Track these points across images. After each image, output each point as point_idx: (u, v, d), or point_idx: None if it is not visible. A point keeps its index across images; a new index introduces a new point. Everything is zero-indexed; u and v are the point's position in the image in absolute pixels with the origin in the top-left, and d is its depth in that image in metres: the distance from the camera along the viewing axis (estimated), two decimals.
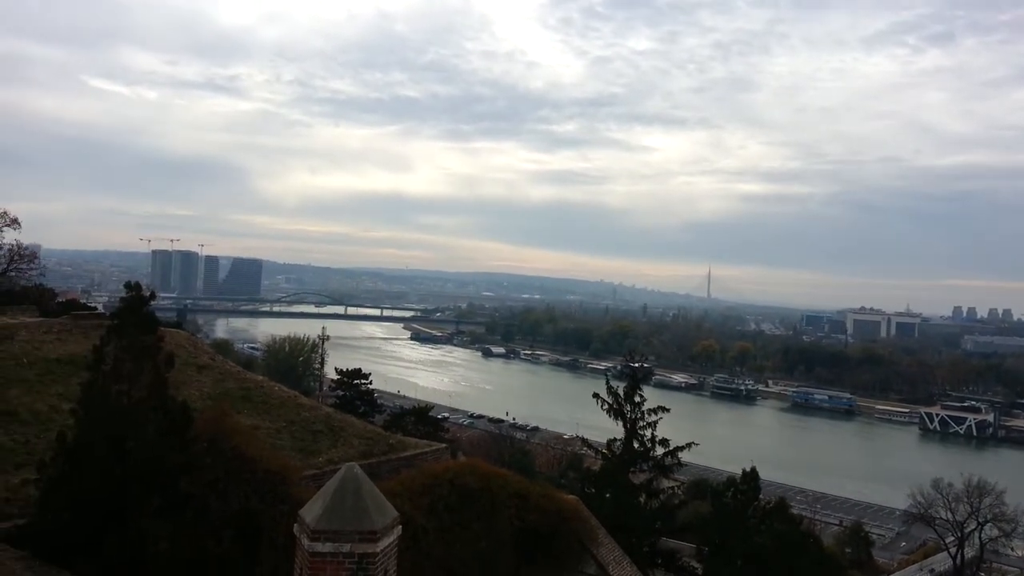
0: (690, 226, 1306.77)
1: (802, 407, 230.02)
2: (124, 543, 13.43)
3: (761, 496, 40.13)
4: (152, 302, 15.77)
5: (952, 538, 71.60)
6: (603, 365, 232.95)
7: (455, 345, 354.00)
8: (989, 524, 70.93)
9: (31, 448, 17.38)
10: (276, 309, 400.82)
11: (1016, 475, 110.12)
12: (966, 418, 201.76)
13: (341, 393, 62.15)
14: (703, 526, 40.09)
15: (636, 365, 45.87)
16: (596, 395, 41.31)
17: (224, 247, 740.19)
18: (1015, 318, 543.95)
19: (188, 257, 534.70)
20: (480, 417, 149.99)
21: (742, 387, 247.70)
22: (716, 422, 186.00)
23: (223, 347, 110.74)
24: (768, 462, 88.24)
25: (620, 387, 40.35)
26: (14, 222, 44.20)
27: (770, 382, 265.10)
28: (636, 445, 39.26)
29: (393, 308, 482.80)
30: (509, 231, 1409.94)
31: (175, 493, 14.33)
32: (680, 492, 42.63)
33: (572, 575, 20.76)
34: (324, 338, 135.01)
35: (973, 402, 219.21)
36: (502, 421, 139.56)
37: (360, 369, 63.93)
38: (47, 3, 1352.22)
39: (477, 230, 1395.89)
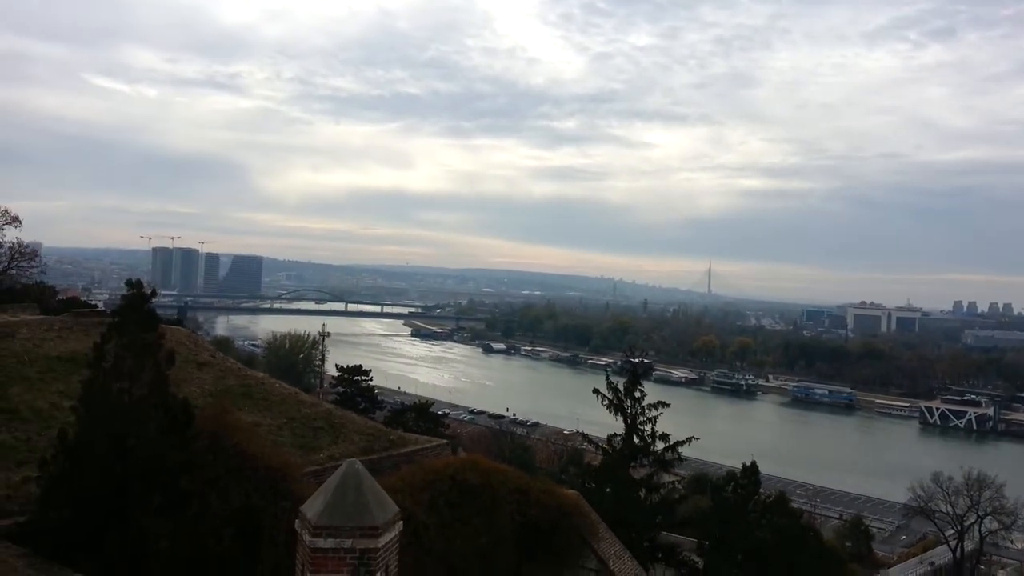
0: (691, 222, 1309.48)
1: (802, 402, 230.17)
2: (125, 541, 13.47)
3: (761, 490, 40.17)
4: (153, 300, 15.78)
5: (952, 531, 71.65)
6: (603, 361, 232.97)
7: (455, 341, 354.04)
8: (989, 517, 70.95)
9: (32, 446, 17.39)
10: (277, 306, 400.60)
11: (1016, 468, 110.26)
12: (966, 412, 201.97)
13: (342, 389, 62.27)
14: (703, 520, 40.11)
15: (636, 360, 45.86)
16: (596, 391, 41.30)
17: (225, 244, 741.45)
18: (1015, 312, 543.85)
19: (189, 255, 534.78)
20: (480, 413, 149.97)
21: (742, 382, 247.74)
22: (716, 417, 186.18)
23: (224, 344, 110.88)
24: (768, 457, 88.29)
25: (620, 382, 40.33)
26: (15, 220, 44.23)
27: (770, 377, 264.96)
28: (636, 440, 39.27)
29: (393, 305, 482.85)
30: (510, 228, 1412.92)
31: (176, 491, 14.34)
32: (680, 487, 42.72)
33: (573, 570, 20.82)
34: (324, 335, 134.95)
35: (973, 396, 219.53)
36: (502, 417, 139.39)
37: (360, 366, 64.03)
38: (48, 1, 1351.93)
39: (478, 227, 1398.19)
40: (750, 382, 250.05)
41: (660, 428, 39.51)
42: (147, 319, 15.18)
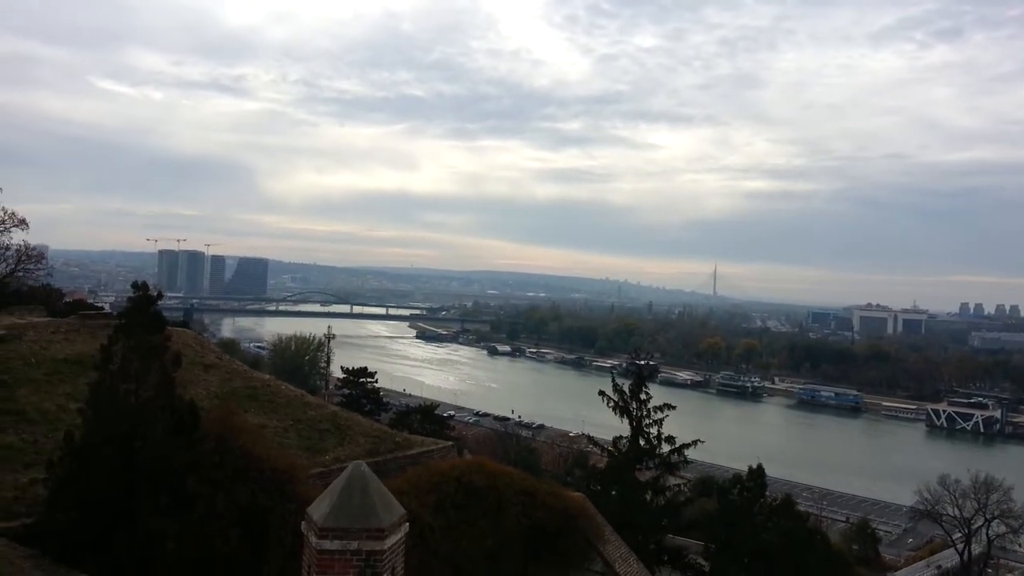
0: (695, 223, 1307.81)
1: (808, 404, 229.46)
2: (132, 542, 13.49)
3: (767, 493, 40.12)
4: (159, 302, 15.82)
5: (959, 534, 71.40)
6: (608, 363, 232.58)
7: (460, 343, 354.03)
8: (996, 520, 70.69)
9: (39, 447, 17.45)
10: (282, 308, 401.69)
11: (1023, 471, 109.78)
12: (973, 414, 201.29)
13: (347, 391, 62.33)
14: (710, 523, 40.04)
15: (642, 363, 45.71)
16: (602, 393, 41.27)
17: (230, 247, 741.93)
18: (1022, 314, 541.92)
19: (194, 257, 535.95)
20: (486, 415, 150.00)
21: (748, 384, 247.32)
22: (722, 419, 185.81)
23: (229, 346, 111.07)
24: (774, 459, 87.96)
25: (626, 385, 40.29)
26: (22, 223, 44.20)
27: (776, 379, 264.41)
28: (642, 443, 39.22)
29: (398, 307, 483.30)
30: (514, 229, 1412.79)
31: (183, 491, 14.37)
32: (686, 489, 42.58)
33: (579, 572, 20.78)
34: (330, 337, 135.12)
35: (980, 398, 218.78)
36: (508, 419, 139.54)
37: (366, 368, 64.11)
38: (52, 4, 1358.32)
39: (482, 228, 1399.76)
40: (756, 384, 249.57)
41: (666, 430, 39.47)
42: (153, 321, 15.22)
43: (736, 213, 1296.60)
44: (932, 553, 79.32)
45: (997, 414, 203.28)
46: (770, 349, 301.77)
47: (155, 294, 15.71)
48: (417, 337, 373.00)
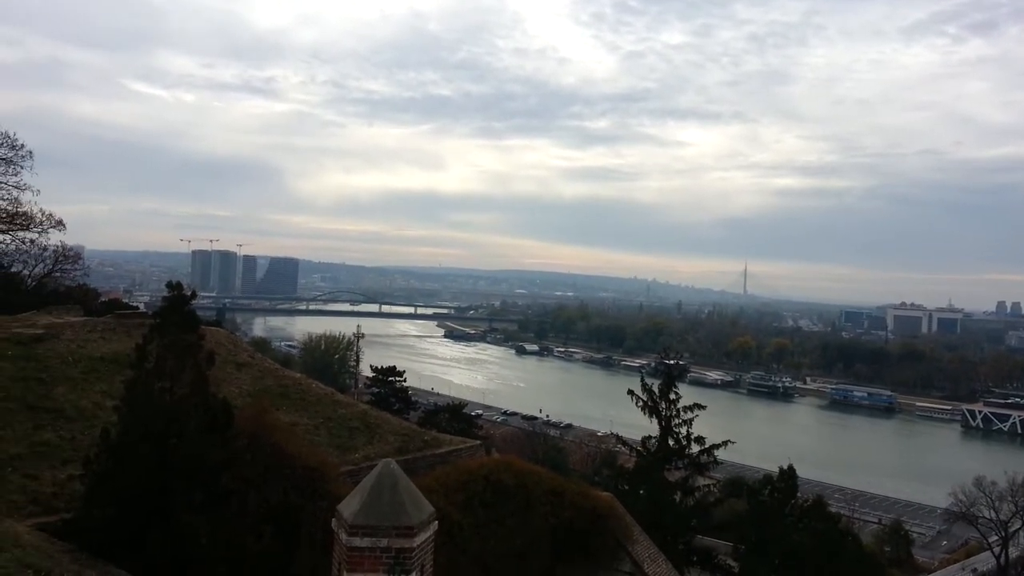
0: (725, 221, 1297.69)
1: (841, 404, 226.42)
2: (167, 539, 13.69)
3: (799, 494, 39.68)
4: (193, 301, 16.04)
5: (996, 537, 70.14)
6: (637, 362, 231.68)
7: (488, 343, 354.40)
8: None
9: (77, 444, 17.75)
10: (312, 308, 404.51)
11: None
12: (1010, 415, 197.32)
13: (376, 390, 62.70)
14: (740, 524, 39.75)
15: (671, 362, 45.47)
16: (631, 392, 41.11)
17: (261, 246, 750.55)
18: None
19: (227, 257, 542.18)
20: (513, 414, 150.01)
21: (779, 384, 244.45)
22: (753, 420, 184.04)
23: (261, 345, 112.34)
24: (806, 460, 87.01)
25: (655, 384, 40.10)
26: (59, 224, 44.96)
27: (808, 379, 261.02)
28: (671, 443, 39.02)
29: (426, 306, 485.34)
30: (541, 228, 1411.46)
31: (217, 488, 14.56)
32: (716, 490, 42.28)
33: (607, 572, 20.73)
34: (359, 336, 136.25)
35: (1018, 399, 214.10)
36: (535, 418, 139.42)
37: (395, 367, 64.41)
38: (84, 8, 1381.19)
39: (509, 227, 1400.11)
40: (787, 384, 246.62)
41: (695, 431, 39.24)
42: (188, 320, 15.42)
43: (766, 211, 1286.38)
44: (967, 556, 77.93)
45: None
46: (801, 349, 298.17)
47: (189, 294, 15.90)
48: (445, 336, 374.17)
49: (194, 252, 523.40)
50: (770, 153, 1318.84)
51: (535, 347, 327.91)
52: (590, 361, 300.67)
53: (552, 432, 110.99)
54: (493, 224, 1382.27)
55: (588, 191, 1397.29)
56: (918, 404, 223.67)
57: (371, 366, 69.93)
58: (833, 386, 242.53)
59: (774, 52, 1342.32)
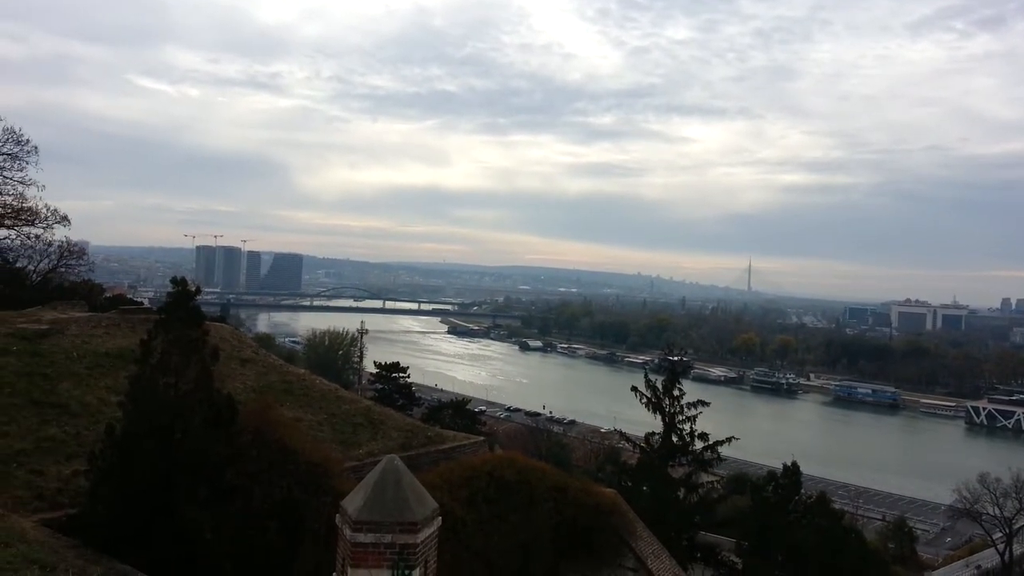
0: (730, 218, 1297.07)
1: (845, 401, 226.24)
2: (171, 534, 13.73)
3: (802, 491, 39.72)
4: (197, 297, 16.06)
5: (1000, 534, 70.09)
6: (641, 359, 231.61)
7: (492, 339, 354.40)
8: None
9: (81, 440, 17.77)
10: (316, 303, 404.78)
11: None
12: (1014, 412, 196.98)
13: (380, 386, 62.83)
14: (743, 520, 39.77)
15: (675, 358, 45.59)
16: (634, 388, 41.15)
17: (265, 242, 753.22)
18: None
19: (231, 253, 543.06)
20: (517, 410, 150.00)
21: (783, 381, 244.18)
22: (756, 416, 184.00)
23: (265, 341, 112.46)
24: (809, 457, 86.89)
25: (658, 380, 40.14)
26: (64, 219, 44.98)
27: (812, 376, 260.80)
28: (675, 439, 39.06)
29: (430, 302, 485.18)
30: (545, 224, 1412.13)
31: (221, 484, 14.60)
32: (719, 487, 42.35)
33: (611, 568, 20.76)
34: (363, 332, 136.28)
35: (1022, 396, 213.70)
36: (539, 414, 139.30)
37: (398, 363, 64.53)
38: (91, 4, 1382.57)
39: (513, 223, 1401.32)
40: (791, 381, 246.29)
41: (699, 427, 39.26)
42: (192, 316, 15.45)
43: (771, 207, 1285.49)
44: (971, 553, 77.90)
45: None
46: (806, 345, 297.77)
47: (193, 289, 15.94)
48: (448, 332, 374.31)
49: (198, 248, 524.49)
50: (775, 149, 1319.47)
51: (539, 343, 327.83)
52: (594, 357, 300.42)
53: (555, 428, 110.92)
54: (497, 220, 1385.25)
55: (592, 187, 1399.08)
56: (922, 401, 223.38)
57: (375, 362, 70.01)
58: (837, 383, 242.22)
59: (779, 48, 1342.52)
